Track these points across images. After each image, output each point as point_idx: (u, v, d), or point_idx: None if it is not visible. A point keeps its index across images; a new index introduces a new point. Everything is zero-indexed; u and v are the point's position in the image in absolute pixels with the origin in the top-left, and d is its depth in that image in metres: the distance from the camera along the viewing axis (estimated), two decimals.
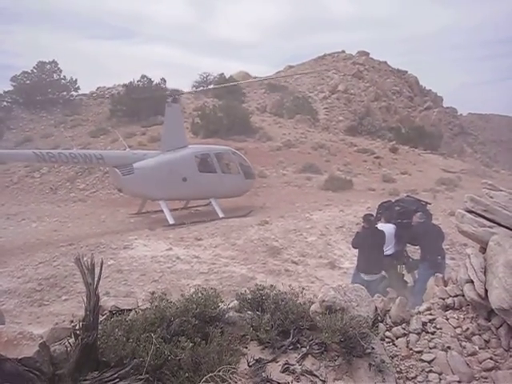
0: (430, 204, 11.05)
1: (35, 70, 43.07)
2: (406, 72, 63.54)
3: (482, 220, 5.95)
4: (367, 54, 63.25)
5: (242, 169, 20.48)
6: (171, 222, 17.86)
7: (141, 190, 18.44)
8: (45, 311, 10.60)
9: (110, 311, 5.66)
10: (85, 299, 4.52)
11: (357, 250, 10.42)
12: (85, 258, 4.69)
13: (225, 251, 14.31)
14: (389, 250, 10.14)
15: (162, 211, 18.38)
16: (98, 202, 22.15)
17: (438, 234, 10.00)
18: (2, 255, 14.00)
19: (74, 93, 44.78)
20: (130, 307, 5.73)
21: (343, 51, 64.36)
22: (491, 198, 6.07)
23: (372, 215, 10.28)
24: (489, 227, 5.84)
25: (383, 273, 10.00)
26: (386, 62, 63.09)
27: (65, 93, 43.70)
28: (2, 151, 17.77)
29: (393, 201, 11.27)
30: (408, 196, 12.32)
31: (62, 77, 43.92)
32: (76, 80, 44.53)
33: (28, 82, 42.43)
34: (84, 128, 35.95)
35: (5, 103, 41.43)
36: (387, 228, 10.18)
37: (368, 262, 9.73)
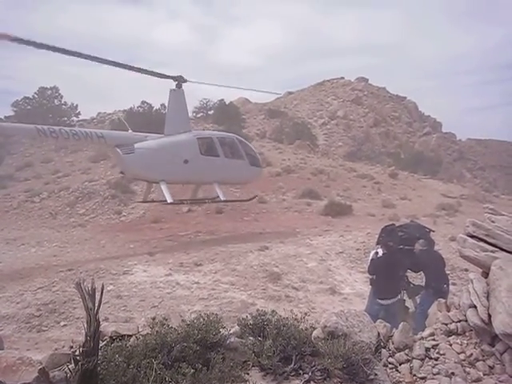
0: (433, 231, 10.98)
1: (36, 96, 43.44)
2: (405, 98, 64.09)
3: (483, 244, 5.93)
4: (366, 80, 63.96)
5: (248, 156, 20.41)
6: (169, 200, 17.91)
7: (141, 171, 18.33)
8: (43, 337, 10.50)
9: (110, 337, 5.61)
10: (84, 324, 4.48)
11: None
12: (85, 283, 4.66)
13: (224, 277, 14.23)
14: None
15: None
16: (98, 227, 22.09)
17: (440, 261, 9.97)
18: (0, 280, 13.91)
19: (74, 118, 45.18)
20: (130, 333, 5.68)
21: (342, 77, 64.98)
22: (493, 222, 6.06)
23: (391, 241, 10.19)
24: (491, 252, 5.82)
25: (399, 296, 10.00)
26: (384, 88, 63.68)
27: (65, 118, 44.01)
28: (5, 124, 17.79)
29: (396, 225, 11.21)
30: (412, 221, 12.24)
31: (62, 102, 44.32)
32: (77, 105, 44.96)
33: (29, 107, 42.75)
34: (84, 153, 36.03)
35: None
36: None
37: (386, 287, 9.70)
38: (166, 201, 18.20)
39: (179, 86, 19.41)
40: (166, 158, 18.17)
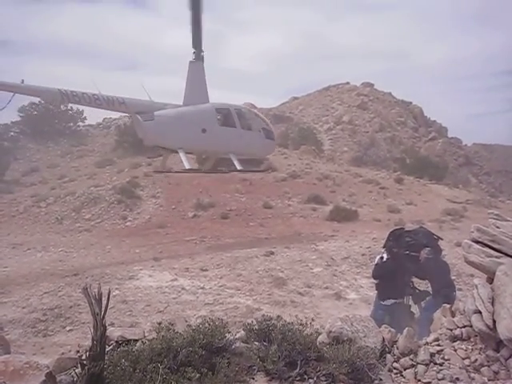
0: (441, 239, 10.90)
1: (42, 101, 43.56)
2: (411, 103, 63.95)
3: (488, 250, 5.93)
4: (371, 85, 63.90)
5: (264, 130, 20.65)
6: (187, 166, 18.24)
7: (160, 138, 18.69)
8: (49, 342, 10.55)
9: (116, 341, 5.64)
10: (91, 329, 4.52)
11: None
12: (91, 288, 4.69)
13: (230, 282, 14.26)
14: None
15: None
16: (104, 232, 22.14)
17: (446, 270, 9.93)
18: (7, 285, 13.97)
19: (80, 123, 45.34)
20: (136, 337, 5.71)
21: (348, 82, 64.98)
22: (498, 228, 6.06)
23: (397, 247, 10.19)
24: (496, 257, 5.82)
25: (404, 298, 10.01)
26: (390, 93, 63.65)
27: (71, 123, 44.19)
28: (30, 84, 17.94)
29: (405, 229, 11.18)
30: (421, 227, 12.16)
31: (68, 108, 44.41)
32: (82, 111, 45.06)
33: (35, 112, 42.90)
34: (90, 158, 36.26)
35: (12, 133, 41.84)
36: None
37: (390, 289, 9.72)
38: (181, 171, 18.57)
39: (198, 59, 19.61)
40: (185, 126, 18.53)
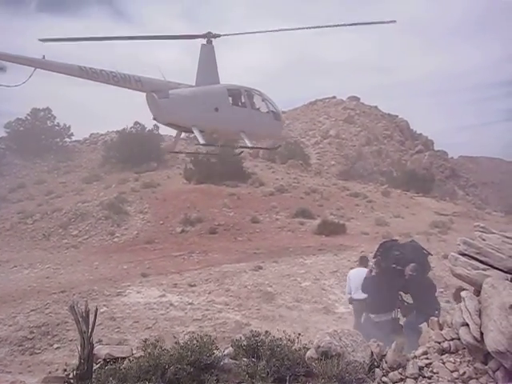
0: (431, 255, 10.87)
1: (29, 117, 43.50)
2: (397, 116, 64.20)
3: (475, 263, 5.96)
4: (358, 99, 64.08)
5: (272, 111, 21.14)
6: (202, 142, 18.59)
7: (175, 115, 18.96)
8: (36, 360, 10.45)
9: (104, 359, 5.60)
10: (78, 347, 4.48)
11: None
12: (78, 306, 4.66)
13: (218, 297, 14.21)
14: (357, 294, 10.34)
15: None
16: (91, 249, 22.02)
17: (430, 288, 9.91)
18: None
19: (67, 139, 45.21)
20: (124, 355, 5.67)
21: (334, 97, 65.19)
22: (484, 240, 6.09)
23: (384, 260, 10.20)
24: (482, 270, 5.84)
25: (393, 314, 10.00)
26: (376, 107, 63.83)
27: (58, 139, 44.07)
28: (51, 60, 17.99)
29: (397, 241, 11.18)
30: (412, 241, 12.13)
31: (55, 123, 44.34)
32: (69, 127, 44.99)
33: (22, 128, 42.81)
34: (77, 174, 36.13)
35: None
36: (361, 272, 10.36)
37: (379, 303, 9.71)
38: (194, 151, 18.83)
39: (209, 42, 19.96)
40: (198, 104, 18.84)
